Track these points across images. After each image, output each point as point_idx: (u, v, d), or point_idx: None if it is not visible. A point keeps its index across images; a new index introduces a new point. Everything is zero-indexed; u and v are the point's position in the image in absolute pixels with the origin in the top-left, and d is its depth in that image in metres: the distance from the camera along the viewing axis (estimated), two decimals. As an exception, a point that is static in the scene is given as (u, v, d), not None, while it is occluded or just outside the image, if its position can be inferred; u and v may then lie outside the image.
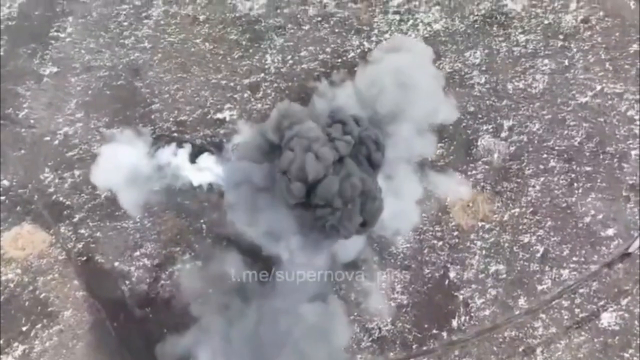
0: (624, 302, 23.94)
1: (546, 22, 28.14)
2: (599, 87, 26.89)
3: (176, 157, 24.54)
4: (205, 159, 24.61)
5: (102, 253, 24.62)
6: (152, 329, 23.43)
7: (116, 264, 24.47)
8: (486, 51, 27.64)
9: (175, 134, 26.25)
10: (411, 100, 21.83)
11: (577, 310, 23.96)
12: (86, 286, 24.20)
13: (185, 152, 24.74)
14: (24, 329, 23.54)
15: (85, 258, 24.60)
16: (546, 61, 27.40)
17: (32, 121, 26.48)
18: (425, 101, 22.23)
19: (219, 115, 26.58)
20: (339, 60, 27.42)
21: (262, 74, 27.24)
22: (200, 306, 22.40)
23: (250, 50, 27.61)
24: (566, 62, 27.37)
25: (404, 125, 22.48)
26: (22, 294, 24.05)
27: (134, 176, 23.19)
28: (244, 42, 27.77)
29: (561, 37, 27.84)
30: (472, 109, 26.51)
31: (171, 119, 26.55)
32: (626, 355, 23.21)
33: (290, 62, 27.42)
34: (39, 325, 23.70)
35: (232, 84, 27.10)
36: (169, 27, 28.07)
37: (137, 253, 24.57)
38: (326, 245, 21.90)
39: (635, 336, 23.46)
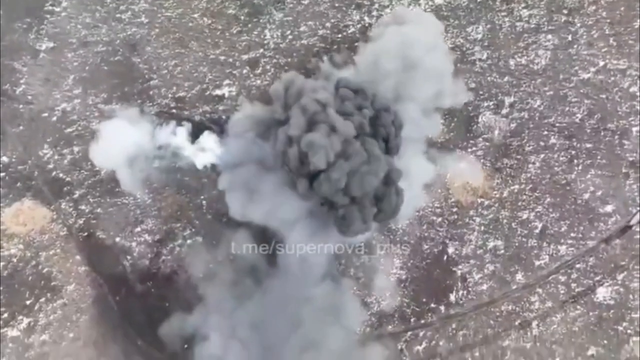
0: (619, 277, 24.23)
1: (550, -4, 27.64)
2: (602, 63, 26.61)
3: (176, 137, 24.23)
4: (207, 138, 24.23)
5: (103, 229, 24.77)
6: (154, 304, 23.78)
7: (117, 239, 24.64)
8: (488, 26, 27.25)
9: (174, 111, 26.09)
10: (419, 82, 20.28)
11: (573, 285, 24.27)
12: (88, 261, 24.41)
13: (184, 130, 24.43)
14: (27, 302, 23.86)
15: (86, 234, 24.76)
16: (549, 37, 27.03)
17: (29, 97, 26.26)
18: (434, 83, 20.77)
19: (218, 92, 26.37)
20: (339, 35, 27.03)
21: (261, 50, 26.90)
22: (206, 283, 22.38)
23: (249, 25, 27.21)
24: (569, 38, 27.01)
25: (409, 105, 20.98)
26: (25, 268, 24.29)
27: (134, 155, 22.94)
28: (242, 17, 27.34)
29: (565, 11, 27.39)
30: (473, 85, 26.29)
31: (170, 95, 26.34)
32: (620, 328, 23.60)
33: (290, 37, 27.05)
34: (42, 299, 24.01)
35: (230, 59, 26.80)
36: (166, 1, 27.58)
37: (138, 229, 24.71)
38: (335, 235, 20.28)
39: (629, 310, 23.81)
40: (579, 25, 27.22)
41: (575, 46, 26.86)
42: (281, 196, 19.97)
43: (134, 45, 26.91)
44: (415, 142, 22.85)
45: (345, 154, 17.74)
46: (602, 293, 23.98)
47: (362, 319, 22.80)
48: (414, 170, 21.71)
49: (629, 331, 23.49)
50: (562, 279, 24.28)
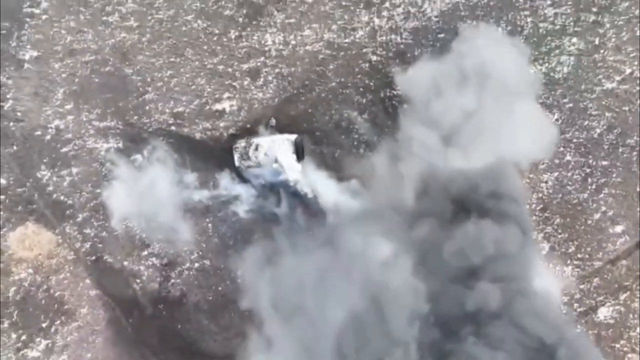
0: (622, 297, 24.65)
1: (579, -9, 25.04)
2: (628, 71, 24.84)
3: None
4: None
5: (110, 253, 24.81)
6: (166, 325, 24.50)
7: (125, 263, 24.78)
8: (509, 28, 25.04)
9: (173, 127, 24.86)
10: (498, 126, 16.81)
11: (575, 305, 24.77)
12: (98, 285, 24.76)
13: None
14: (43, 325, 24.60)
15: (94, 257, 24.86)
16: (574, 40, 24.95)
17: (19, 114, 24.94)
18: (522, 131, 17.21)
19: (218, 106, 24.97)
20: (347, 40, 24.95)
21: (262, 58, 25.00)
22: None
23: (248, 29, 25.01)
24: (596, 41, 24.94)
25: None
26: (38, 292, 24.73)
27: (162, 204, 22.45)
28: (240, 19, 25.04)
29: (594, 9, 25.01)
30: (488, 98, 24.69)
31: (167, 111, 25.00)
32: (617, 346, 24.53)
33: (293, 42, 25.01)
34: (57, 322, 24.74)
35: (230, 69, 25.01)
36: (156, 0, 25.07)
37: (145, 252, 24.75)
38: None
39: (628, 328, 24.55)
40: (608, 25, 24.99)
41: (602, 51, 24.90)
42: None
43: (125, 53, 24.95)
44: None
45: None
46: (604, 313, 24.59)
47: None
48: None
49: (625, 349, 24.42)
50: (565, 299, 24.72)
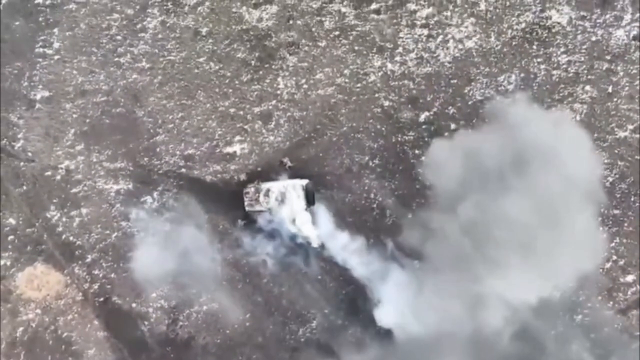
0: (633, 346, 24.50)
1: (594, 38, 24.99)
2: (641, 120, 24.74)
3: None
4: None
5: (118, 294, 24.74)
6: (174, 368, 24.40)
7: (134, 305, 24.70)
8: (522, 75, 24.97)
9: (184, 170, 24.80)
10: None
11: (584, 355, 24.62)
12: (106, 326, 24.68)
13: None
14: (51, 366, 24.51)
15: (102, 299, 24.78)
16: (587, 87, 24.87)
17: (29, 154, 24.88)
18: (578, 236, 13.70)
19: (229, 149, 24.90)
20: (359, 85, 24.89)
21: (274, 101, 24.94)
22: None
23: (260, 72, 24.95)
24: (610, 89, 24.87)
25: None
26: (45, 333, 24.65)
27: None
28: (252, 62, 24.98)
29: (608, 57, 24.93)
30: (500, 145, 24.60)
31: (178, 153, 24.93)
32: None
33: (305, 86, 24.95)
34: (64, 363, 24.63)
35: (241, 112, 24.95)
36: (168, 42, 25.05)
37: (154, 295, 24.65)
38: None
39: (634, 375, 24.37)
40: (621, 74, 24.93)
41: (615, 99, 24.82)
42: None
43: (136, 95, 24.90)
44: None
45: None
46: (612, 362, 24.42)
47: None
48: None
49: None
50: (574, 347, 24.59)
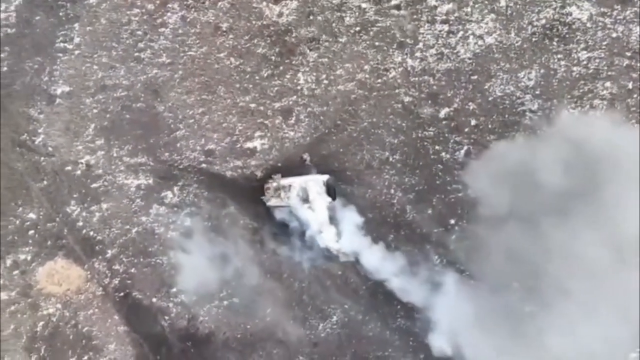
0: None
1: (614, 35, 25.00)
2: (661, 116, 24.76)
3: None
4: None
5: (139, 289, 24.76)
6: (194, 362, 24.46)
7: (154, 300, 24.73)
8: (542, 71, 25.00)
9: (204, 165, 24.82)
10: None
11: None
12: (126, 321, 24.71)
13: None
14: (72, 360, 24.57)
15: (122, 294, 24.80)
16: (607, 84, 24.90)
17: (50, 149, 24.88)
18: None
19: (249, 145, 24.91)
20: (379, 81, 24.91)
21: (295, 97, 24.96)
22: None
23: (281, 68, 24.96)
24: (630, 85, 24.90)
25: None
26: (66, 328, 24.68)
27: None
28: (273, 57, 24.99)
29: (628, 54, 24.96)
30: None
31: (198, 148, 24.94)
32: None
33: (325, 82, 24.96)
34: (85, 358, 24.72)
35: (261, 107, 24.97)
36: (189, 37, 25.04)
37: (174, 289, 24.69)
38: None
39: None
40: (641, 70, 24.91)
41: (635, 95, 24.84)
42: None
43: (157, 90, 24.91)
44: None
45: None
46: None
47: None
48: None
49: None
50: None
